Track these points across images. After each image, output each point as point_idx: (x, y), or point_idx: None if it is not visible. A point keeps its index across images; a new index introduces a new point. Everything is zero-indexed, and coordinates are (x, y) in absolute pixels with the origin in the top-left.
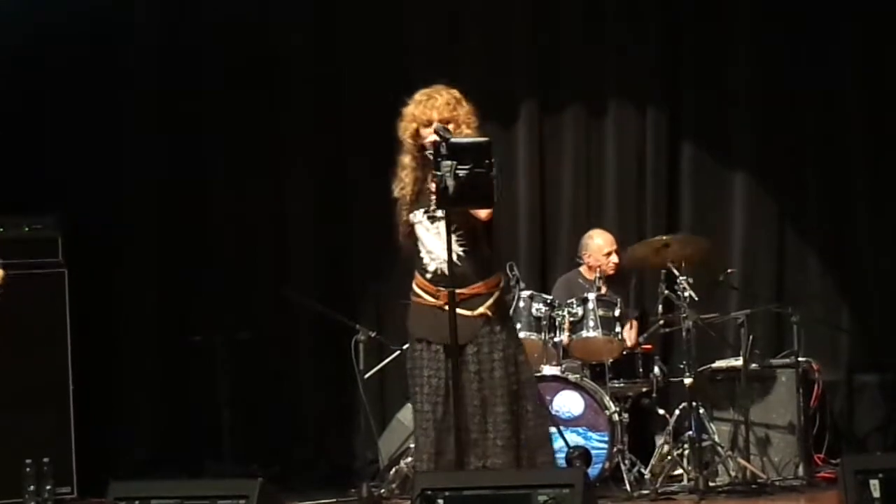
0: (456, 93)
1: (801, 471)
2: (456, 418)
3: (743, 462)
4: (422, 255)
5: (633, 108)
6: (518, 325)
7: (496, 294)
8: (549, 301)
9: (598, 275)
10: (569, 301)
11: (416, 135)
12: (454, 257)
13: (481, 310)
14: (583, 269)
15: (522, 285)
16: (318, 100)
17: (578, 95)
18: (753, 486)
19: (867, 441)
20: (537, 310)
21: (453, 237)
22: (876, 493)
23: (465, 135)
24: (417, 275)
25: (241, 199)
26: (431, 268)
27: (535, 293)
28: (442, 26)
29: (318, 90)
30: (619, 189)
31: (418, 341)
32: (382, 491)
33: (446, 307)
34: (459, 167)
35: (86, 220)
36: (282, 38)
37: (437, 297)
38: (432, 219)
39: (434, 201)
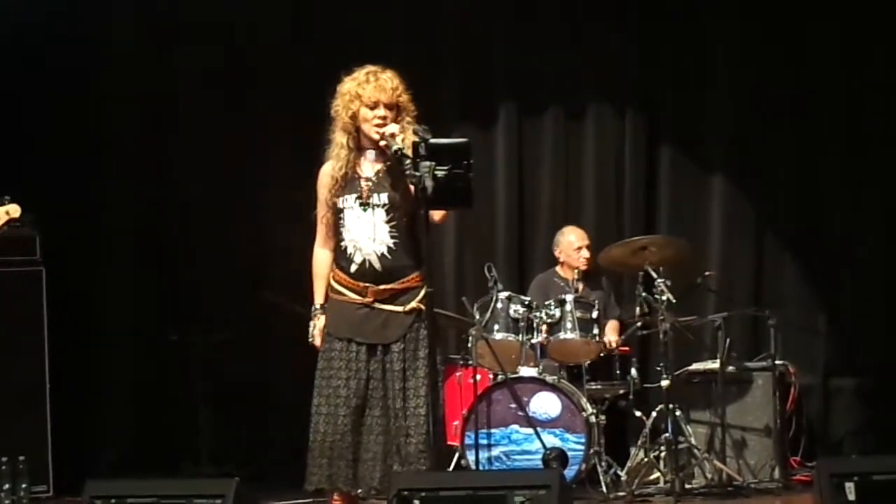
0: (397, 77)
1: (776, 474)
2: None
3: (719, 464)
4: (345, 245)
5: (612, 110)
6: (496, 327)
7: (426, 287)
8: (526, 302)
9: (575, 275)
10: (546, 302)
11: (356, 115)
12: (385, 249)
13: (413, 304)
14: (559, 267)
15: (500, 286)
16: (296, 102)
17: (557, 98)
18: (729, 488)
19: (843, 444)
20: (515, 311)
21: (386, 227)
22: (851, 497)
23: (408, 122)
24: (338, 271)
25: (219, 200)
26: (357, 259)
27: (512, 294)
28: (422, 28)
29: (296, 92)
30: (598, 191)
31: (338, 340)
32: (359, 491)
33: (375, 304)
34: (438, 168)
35: (64, 220)
36: (261, 38)
37: (363, 295)
38: (364, 205)
39: (366, 186)
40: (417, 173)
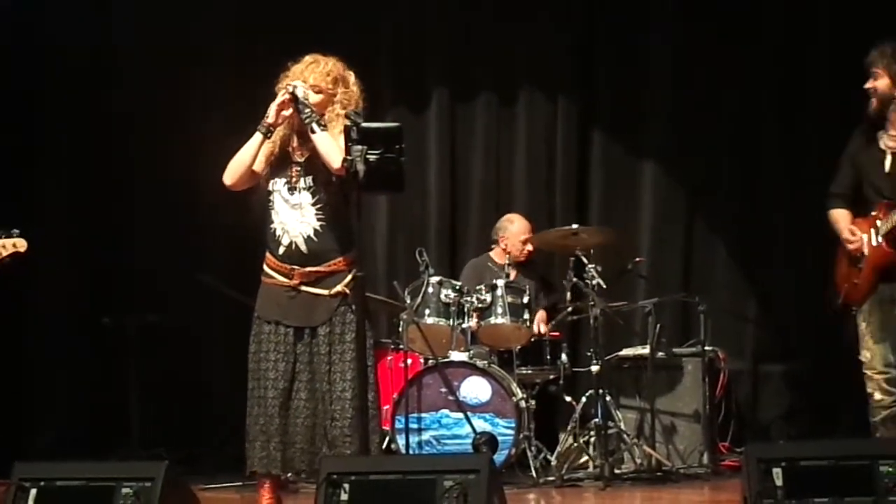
0: (348, 73)
1: (705, 459)
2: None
3: (648, 450)
4: (274, 227)
5: (545, 96)
6: (427, 311)
7: (354, 271)
8: (457, 287)
9: (507, 260)
10: (478, 287)
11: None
12: (311, 232)
13: (339, 288)
14: (493, 252)
15: (432, 271)
16: (237, 87)
17: (490, 83)
18: (658, 473)
19: (771, 430)
20: (446, 296)
21: (313, 210)
22: (778, 482)
23: (338, 114)
24: (268, 254)
25: (156, 180)
26: (285, 241)
27: (444, 279)
28: (355, 12)
29: (237, 78)
30: (530, 176)
31: (267, 323)
32: (289, 475)
33: (301, 287)
34: (370, 152)
35: None
36: (204, 28)
37: (290, 277)
38: (292, 189)
39: (296, 171)
40: (349, 157)
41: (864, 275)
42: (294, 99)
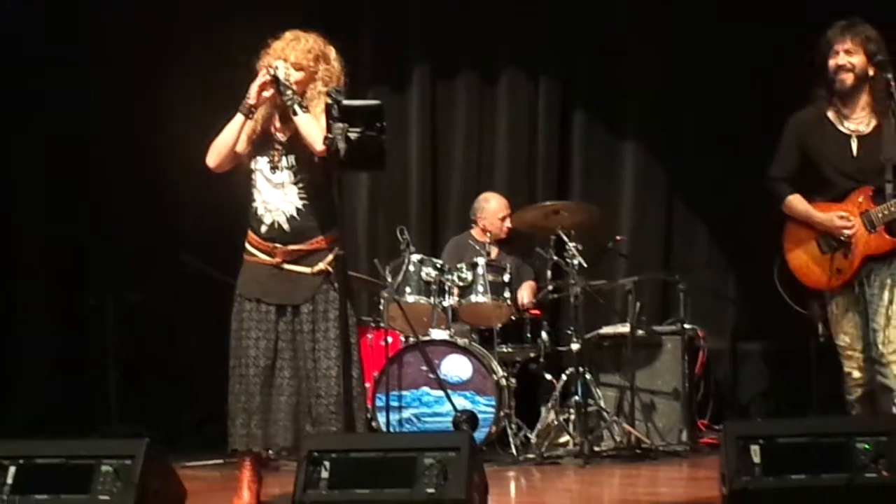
0: (329, 49)
1: (684, 436)
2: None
3: (628, 427)
4: (256, 206)
5: (526, 75)
6: (408, 289)
7: (336, 249)
8: (438, 265)
9: (488, 239)
10: (458, 265)
11: None
12: (293, 210)
13: (321, 266)
14: (474, 231)
15: (412, 249)
16: (216, 66)
17: (471, 62)
18: (638, 451)
19: (750, 407)
20: (427, 274)
21: (295, 188)
22: (756, 459)
23: (319, 92)
24: (250, 232)
25: (136, 160)
26: (267, 220)
27: (424, 257)
28: None
29: (217, 56)
30: (511, 155)
31: (248, 301)
32: (270, 452)
33: (283, 265)
34: (351, 130)
35: None
36: (182, 4)
37: (272, 255)
38: (274, 168)
39: (278, 149)
40: (330, 135)
41: (853, 263)
42: (275, 80)
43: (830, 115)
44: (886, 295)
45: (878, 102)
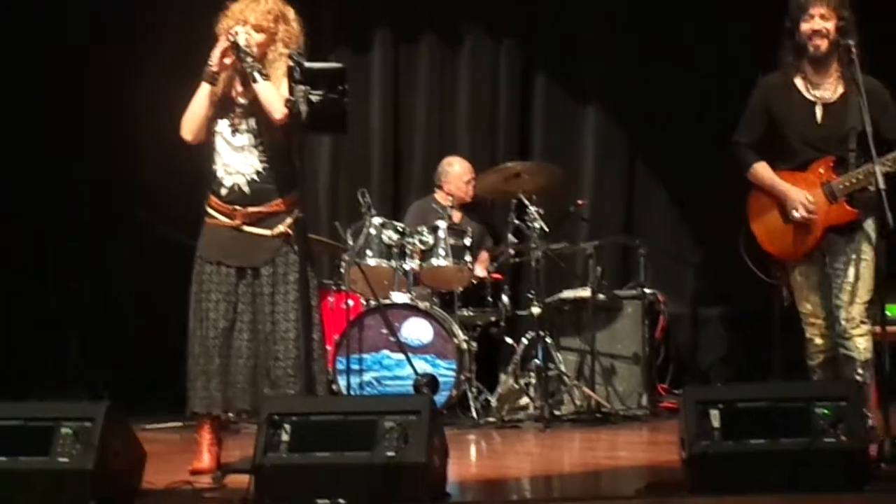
0: (287, 9)
1: (644, 400)
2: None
3: (588, 391)
4: (217, 168)
5: (488, 38)
6: (369, 253)
7: (296, 211)
8: (400, 229)
9: (451, 203)
10: (420, 229)
11: None
12: (254, 173)
13: (281, 228)
14: (438, 195)
15: (374, 212)
16: (174, 19)
17: (433, 25)
18: (598, 415)
19: (710, 372)
20: (388, 237)
21: (255, 151)
22: (716, 423)
23: (281, 53)
24: (211, 195)
25: (97, 122)
26: (228, 182)
27: (386, 220)
28: None
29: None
30: (472, 119)
31: (209, 263)
32: (230, 415)
33: (243, 227)
34: (312, 93)
35: None
36: None
37: (232, 218)
38: (235, 131)
39: (238, 111)
40: (292, 98)
41: (815, 232)
42: (236, 46)
43: (798, 81)
44: (851, 271)
45: (847, 69)
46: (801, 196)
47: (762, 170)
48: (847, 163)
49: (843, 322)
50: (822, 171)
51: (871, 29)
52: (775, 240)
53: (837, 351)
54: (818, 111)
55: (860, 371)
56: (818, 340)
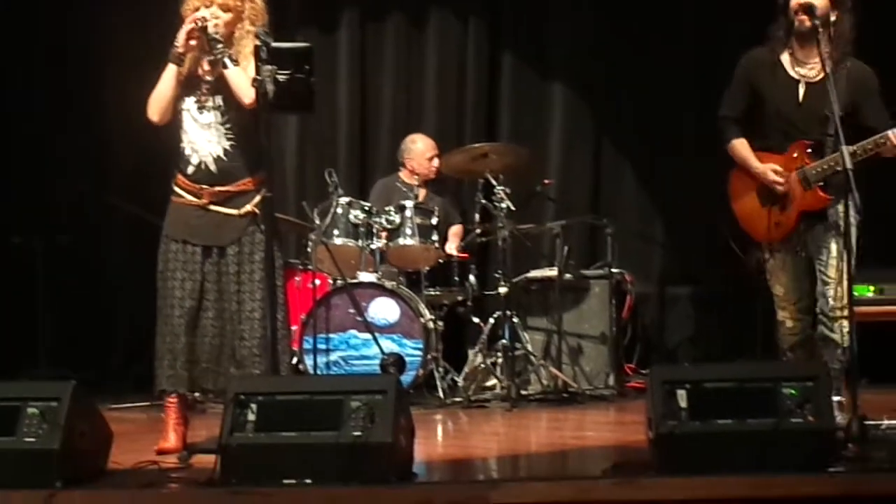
0: None
1: (611, 380)
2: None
3: (555, 371)
4: (184, 146)
5: (454, 17)
6: (336, 232)
7: (263, 191)
8: (366, 208)
9: (415, 181)
10: (387, 208)
11: None
12: (221, 151)
13: (248, 208)
14: (402, 173)
15: (341, 192)
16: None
17: (400, 4)
18: (565, 394)
19: (677, 352)
20: (355, 216)
21: (222, 129)
22: (683, 403)
23: (248, 31)
24: (178, 173)
25: (64, 102)
26: (195, 161)
27: (353, 200)
28: None
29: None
30: (439, 98)
31: (174, 242)
32: (196, 394)
33: (210, 206)
34: (279, 72)
35: None
36: None
37: (199, 196)
38: (202, 108)
39: (205, 89)
40: (259, 77)
41: (790, 217)
42: (204, 31)
43: (784, 57)
44: (834, 247)
45: (835, 49)
46: (771, 172)
47: (740, 146)
48: (823, 148)
49: (830, 301)
50: (796, 155)
51: (870, 13)
52: (753, 221)
53: (813, 334)
54: (801, 90)
55: (841, 358)
56: (789, 323)
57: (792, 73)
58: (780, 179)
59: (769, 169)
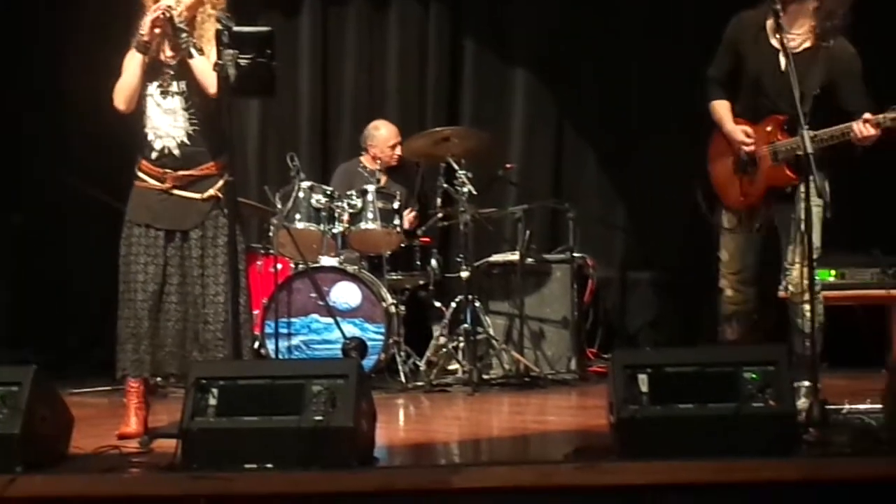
0: None
1: (573, 365)
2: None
3: (517, 355)
4: (147, 131)
5: (416, 2)
6: (297, 216)
7: (226, 175)
8: (328, 192)
9: (378, 166)
10: (348, 193)
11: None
12: (184, 136)
13: (211, 192)
14: (364, 158)
15: (303, 176)
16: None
17: None
18: (526, 378)
19: (638, 336)
20: (317, 200)
21: (185, 114)
22: (644, 388)
23: (209, 15)
24: (141, 158)
25: (26, 85)
26: (158, 146)
27: (315, 184)
28: None
29: None
30: (401, 83)
31: (137, 226)
32: (158, 379)
33: (173, 191)
34: (241, 56)
35: None
36: None
37: (162, 181)
38: (165, 93)
39: (168, 74)
40: (220, 61)
41: (757, 189)
42: (169, 21)
43: (769, 24)
44: (793, 230)
45: (820, 24)
46: (739, 133)
47: (718, 107)
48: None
49: (791, 287)
50: (770, 129)
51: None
52: (725, 187)
53: (753, 309)
54: (781, 60)
55: (807, 343)
56: (728, 292)
57: (773, 41)
58: (749, 141)
59: (740, 129)
